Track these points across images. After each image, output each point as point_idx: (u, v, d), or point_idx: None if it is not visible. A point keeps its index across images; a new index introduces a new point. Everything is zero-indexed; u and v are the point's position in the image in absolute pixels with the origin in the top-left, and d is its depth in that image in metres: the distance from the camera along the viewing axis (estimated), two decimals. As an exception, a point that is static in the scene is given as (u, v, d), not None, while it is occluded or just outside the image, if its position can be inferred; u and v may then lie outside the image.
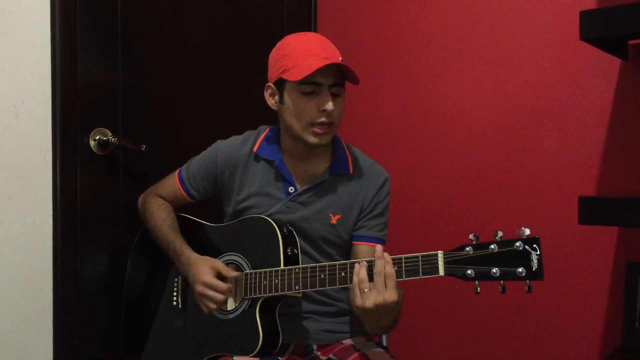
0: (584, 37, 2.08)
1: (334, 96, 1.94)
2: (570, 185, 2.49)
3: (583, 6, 2.29)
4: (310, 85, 1.92)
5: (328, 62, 1.89)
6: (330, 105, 1.91)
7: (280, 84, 1.97)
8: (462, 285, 1.72)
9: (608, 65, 2.41)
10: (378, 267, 1.71)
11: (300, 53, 1.93)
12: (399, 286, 1.70)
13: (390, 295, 1.69)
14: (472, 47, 2.70)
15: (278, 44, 2.01)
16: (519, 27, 2.60)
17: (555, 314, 2.55)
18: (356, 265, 1.74)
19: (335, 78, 1.93)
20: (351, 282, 1.76)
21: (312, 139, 1.96)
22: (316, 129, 1.94)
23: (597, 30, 2.06)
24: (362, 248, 2.05)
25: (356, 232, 2.07)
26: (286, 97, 1.97)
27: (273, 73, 1.99)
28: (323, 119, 1.93)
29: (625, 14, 2.01)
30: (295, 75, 1.90)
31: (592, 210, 2.06)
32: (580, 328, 2.50)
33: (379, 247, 1.73)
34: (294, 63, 1.92)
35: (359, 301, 1.72)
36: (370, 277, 1.72)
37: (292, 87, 1.94)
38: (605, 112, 2.42)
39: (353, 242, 2.08)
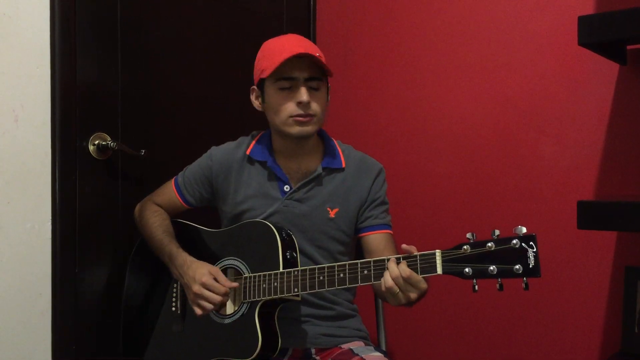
0: (583, 42, 2.08)
1: (312, 90, 1.99)
2: (569, 190, 2.49)
3: (581, 11, 2.28)
4: (286, 80, 1.98)
5: (295, 52, 1.94)
6: (305, 97, 1.96)
7: (261, 84, 2.04)
8: (460, 288, 1.72)
9: (606, 70, 2.41)
10: (394, 273, 1.71)
11: (275, 51, 1.99)
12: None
13: (420, 287, 1.70)
14: (470, 51, 2.71)
15: (260, 47, 2.07)
16: (517, 32, 2.61)
17: (554, 319, 2.55)
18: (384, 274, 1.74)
19: (311, 72, 1.98)
20: (350, 283, 1.78)
21: (294, 129, 2.00)
22: (296, 118, 1.98)
23: (595, 35, 2.06)
24: (372, 237, 2.09)
25: (362, 224, 2.10)
26: (267, 96, 2.03)
27: (255, 76, 2.06)
28: (300, 112, 1.98)
29: (624, 19, 2.01)
30: (268, 71, 1.97)
31: (590, 215, 2.06)
32: (579, 333, 2.50)
33: (391, 264, 1.73)
34: (269, 62, 1.98)
35: (393, 302, 1.75)
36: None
37: (271, 85, 2.00)
38: (604, 117, 2.43)
39: (361, 235, 2.11)
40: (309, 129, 2.00)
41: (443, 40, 2.78)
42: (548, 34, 2.54)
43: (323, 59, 1.99)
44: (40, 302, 2.17)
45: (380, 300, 2.29)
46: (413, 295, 1.71)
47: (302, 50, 1.95)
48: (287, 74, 1.98)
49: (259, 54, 2.05)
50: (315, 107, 1.99)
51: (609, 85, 2.42)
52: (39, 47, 2.14)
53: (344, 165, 2.10)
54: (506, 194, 2.63)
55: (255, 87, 2.08)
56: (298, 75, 1.97)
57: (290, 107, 1.98)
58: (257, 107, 2.10)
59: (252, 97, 2.10)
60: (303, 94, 1.96)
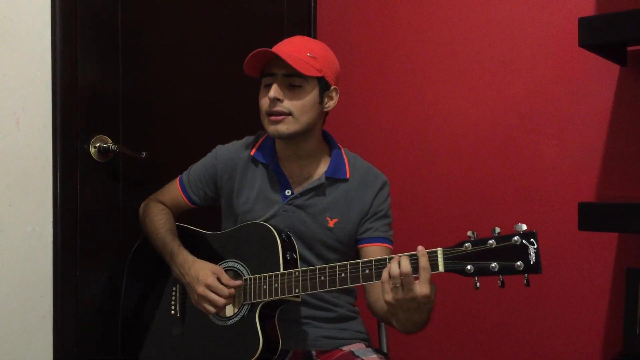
0: (583, 43, 2.09)
1: (291, 87, 1.97)
2: (570, 191, 2.49)
3: (582, 13, 2.29)
4: (267, 77, 1.99)
5: (261, 49, 1.94)
6: (271, 93, 1.95)
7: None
8: (461, 287, 1.71)
9: (607, 72, 2.42)
10: (394, 272, 1.66)
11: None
12: (432, 281, 1.67)
13: (422, 288, 1.65)
14: (471, 52, 2.71)
15: None
16: (518, 33, 2.61)
17: (556, 320, 2.54)
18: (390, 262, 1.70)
19: (290, 69, 1.94)
20: (352, 282, 1.77)
21: (269, 128, 1.99)
22: (269, 118, 1.98)
23: (595, 36, 2.07)
24: (371, 249, 2.06)
25: (361, 236, 2.07)
26: None
27: None
28: (269, 108, 1.97)
29: (624, 20, 2.02)
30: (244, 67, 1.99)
31: (592, 217, 2.07)
32: (581, 334, 2.49)
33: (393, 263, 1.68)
34: None
35: (388, 296, 1.67)
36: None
37: (261, 83, 2.02)
38: (605, 119, 2.43)
39: (360, 246, 2.08)
40: (281, 127, 1.97)
41: (444, 42, 2.78)
42: (548, 35, 2.54)
43: (305, 62, 1.95)
44: (41, 304, 2.17)
45: (380, 302, 2.28)
46: (416, 291, 1.64)
47: (277, 50, 1.95)
48: (267, 70, 1.99)
49: None
50: (288, 104, 1.96)
51: (609, 87, 2.42)
52: (39, 50, 2.14)
53: (348, 175, 2.08)
54: (507, 195, 2.63)
55: None
56: (275, 71, 1.97)
57: (266, 104, 1.98)
58: None
59: None
60: (271, 90, 1.95)
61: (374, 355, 2.01)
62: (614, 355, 2.39)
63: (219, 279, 1.94)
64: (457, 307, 2.73)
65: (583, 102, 2.47)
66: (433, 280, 1.67)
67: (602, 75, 2.43)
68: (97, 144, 2.27)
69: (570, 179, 2.50)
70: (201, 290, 1.94)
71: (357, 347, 2.07)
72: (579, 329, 2.50)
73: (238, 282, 1.94)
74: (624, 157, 2.40)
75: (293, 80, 1.96)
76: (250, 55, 1.95)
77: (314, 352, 2.05)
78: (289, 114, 1.96)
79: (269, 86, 1.98)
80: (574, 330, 2.51)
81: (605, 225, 2.10)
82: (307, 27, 3.06)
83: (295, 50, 1.97)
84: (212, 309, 1.94)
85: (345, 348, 2.06)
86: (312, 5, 3.09)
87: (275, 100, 1.95)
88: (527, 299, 2.56)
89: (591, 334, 2.47)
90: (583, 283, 2.48)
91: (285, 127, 1.97)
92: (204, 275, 1.94)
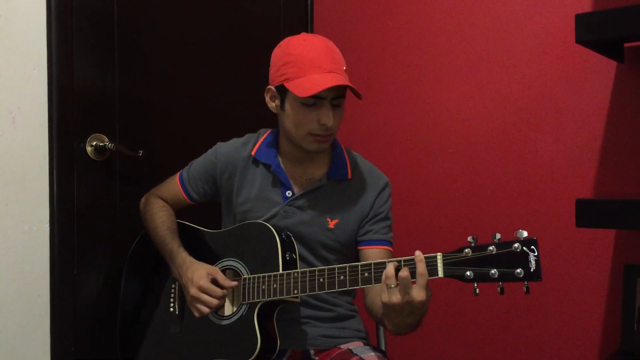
0: (580, 40, 2.08)
1: (335, 107, 1.93)
2: (568, 188, 2.49)
3: (579, 9, 2.29)
4: (312, 98, 1.89)
5: (333, 83, 1.86)
6: (330, 121, 1.91)
7: (282, 90, 1.94)
8: (460, 289, 1.71)
9: (604, 68, 2.41)
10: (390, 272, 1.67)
11: (306, 64, 1.89)
12: (428, 287, 1.66)
13: (418, 294, 1.64)
14: (468, 50, 2.71)
15: (283, 45, 1.98)
16: (515, 30, 2.60)
17: (554, 317, 2.55)
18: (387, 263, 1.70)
19: (338, 92, 1.91)
20: (350, 285, 1.76)
21: (312, 146, 1.96)
22: (316, 138, 1.94)
23: (593, 33, 2.06)
24: (370, 252, 2.05)
25: (362, 238, 2.06)
26: (287, 105, 1.95)
27: (275, 77, 1.96)
28: (321, 132, 1.93)
29: (621, 16, 2.02)
30: (299, 90, 1.87)
31: (589, 213, 2.06)
32: (579, 331, 2.50)
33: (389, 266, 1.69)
34: (298, 74, 1.89)
35: (385, 297, 1.67)
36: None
37: (294, 97, 1.91)
38: (602, 115, 2.43)
39: (360, 248, 2.07)
40: (326, 145, 1.98)
41: (440, 41, 2.78)
42: (546, 32, 2.54)
43: (348, 79, 1.92)
44: (38, 303, 2.17)
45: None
46: (412, 296, 1.64)
47: (338, 75, 1.89)
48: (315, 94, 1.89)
49: (284, 57, 1.94)
50: (335, 125, 1.94)
51: (606, 83, 2.42)
52: (35, 48, 2.13)
53: (349, 175, 2.07)
54: (504, 192, 2.62)
55: (273, 88, 1.98)
56: (325, 95, 1.89)
57: (312, 125, 1.92)
58: (271, 109, 2.02)
59: (267, 98, 2.01)
60: (329, 117, 1.90)
61: (372, 353, 2.01)
62: (611, 351, 2.40)
63: (214, 280, 1.94)
64: (454, 304, 2.73)
65: (580, 99, 2.47)
66: (430, 284, 1.67)
67: (599, 71, 2.43)
68: (94, 143, 2.26)
69: (567, 175, 2.50)
70: (193, 292, 1.94)
71: (355, 345, 2.06)
72: (577, 325, 2.50)
73: (234, 283, 1.94)
74: (621, 153, 2.40)
75: (338, 102, 1.93)
76: (322, 89, 1.85)
77: (312, 351, 2.05)
78: (333, 132, 1.96)
79: (311, 106, 1.90)
80: (572, 327, 2.51)
81: (602, 222, 2.09)
82: (303, 28, 3.05)
83: (339, 67, 1.92)
84: (205, 310, 1.94)
85: (343, 346, 2.06)
86: (309, 5, 3.08)
87: (330, 126, 1.93)
88: (524, 296, 2.54)
89: (589, 330, 2.47)
90: (581, 280, 2.49)
91: (328, 143, 1.99)
92: (198, 278, 1.94)
